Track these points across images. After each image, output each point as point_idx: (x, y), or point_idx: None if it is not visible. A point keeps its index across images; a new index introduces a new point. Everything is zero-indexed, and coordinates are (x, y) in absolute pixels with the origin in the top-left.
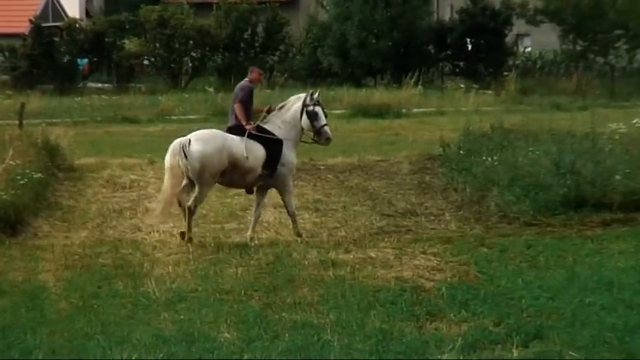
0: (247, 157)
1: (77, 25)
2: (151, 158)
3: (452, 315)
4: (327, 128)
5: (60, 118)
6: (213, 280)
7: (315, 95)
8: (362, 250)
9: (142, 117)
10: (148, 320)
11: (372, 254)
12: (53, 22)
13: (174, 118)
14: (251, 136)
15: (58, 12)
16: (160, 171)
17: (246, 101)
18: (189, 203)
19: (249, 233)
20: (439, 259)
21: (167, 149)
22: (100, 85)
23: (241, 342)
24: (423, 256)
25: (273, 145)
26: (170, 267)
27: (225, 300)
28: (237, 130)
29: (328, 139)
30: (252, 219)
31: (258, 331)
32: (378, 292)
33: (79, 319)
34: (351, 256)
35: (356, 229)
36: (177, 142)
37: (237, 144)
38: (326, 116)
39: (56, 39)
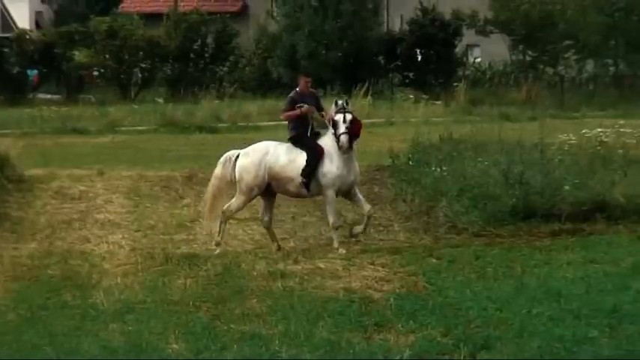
0: (285, 167)
1: (27, 37)
2: (100, 169)
3: (400, 326)
4: (343, 137)
5: (9, 129)
6: (161, 292)
7: (340, 102)
8: (310, 261)
9: (92, 128)
10: (96, 331)
11: (321, 265)
12: (3, 33)
13: (124, 129)
14: (296, 145)
15: (7, 23)
16: (108, 182)
17: (286, 110)
18: (224, 207)
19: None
20: (387, 270)
21: (116, 160)
22: (49, 96)
23: (189, 353)
24: (372, 266)
25: (314, 154)
26: (119, 278)
27: (173, 311)
28: (294, 140)
29: (342, 148)
30: None
31: (206, 342)
32: (327, 303)
33: (28, 330)
34: (300, 267)
35: (305, 239)
36: (230, 152)
37: (280, 156)
38: (353, 122)
39: (6, 50)
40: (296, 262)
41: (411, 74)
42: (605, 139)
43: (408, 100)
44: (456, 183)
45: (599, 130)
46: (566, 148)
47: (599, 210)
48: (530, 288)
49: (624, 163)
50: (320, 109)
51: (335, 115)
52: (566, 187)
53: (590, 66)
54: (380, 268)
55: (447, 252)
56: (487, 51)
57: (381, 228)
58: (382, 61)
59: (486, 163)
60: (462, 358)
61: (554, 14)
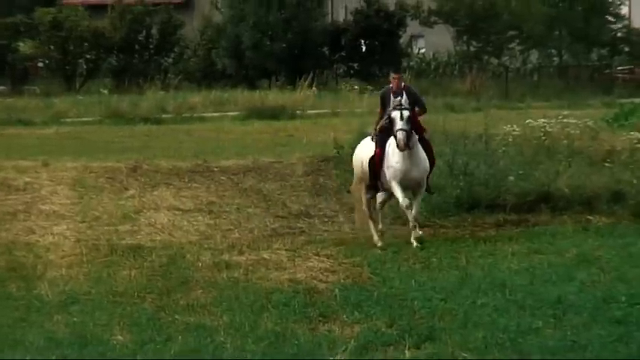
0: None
1: None
2: (45, 160)
3: (345, 316)
4: (399, 134)
5: None
6: (106, 283)
7: (397, 99)
8: (255, 252)
9: (37, 119)
10: (41, 323)
11: (266, 256)
12: None
13: (69, 120)
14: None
15: None
16: (53, 173)
17: (381, 108)
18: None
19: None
20: (332, 261)
21: (61, 151)
22: None
23: (134, 344)
24: (317, 257)
25: (382, 147)
26: (63, 269)
27: (118, 302)
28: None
29: (398, 146)
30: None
31: (151, 333)
32: (271, 294)
33: None
34: (245, 258)
35: (250, 230)
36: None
37: (367, 150)
38: (410, 119)
39: None
40: (241, 253)
41: (355, 65)
42: (550, 130)
43: (352, 90)
44: None
45: (544, 120)
46: (510, 139)
47: (543, 201)
48: (474, 279)
49: (568, 153)
50: (419, 104)
51: (392, 113)
52: (511, 178)
53: (534, 56)
54: (325, 259)
55: (391, 243)
56: (431, 42)
57: (326, 219)
58: (327, 52)
59: None
60: (406, 348)
61: (498, 5)
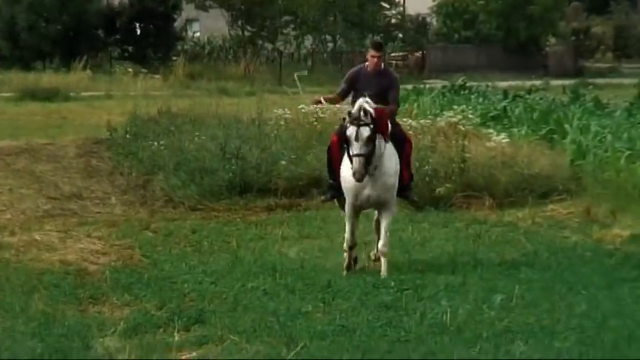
0: None
1: None
2: None
3: (115, 298)
4: (355, 161)
5: None
6: None
7: (354, 112)
8: (27, 233)
9: None
10: None
11: (37, 237)
12: None
13: None
14: None
15: None
16: None
17: (345, 90)
18: None
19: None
20: (104, 243)
21: None
22: None
23: None
24: (88, 239)
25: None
26: None
27: None
28: None
29: (354, 176)
30: None
31: None
32: (42, 275)
33: None
34: (16, 239)
35: (22, 212)
36: None
37: None
38: (370, 139)
39: None
40: (12, 234)
41: (130, 48)
42: (322, 115)
43: (127, 73)
44: (173, 157)
45: (316, 105)
46: (282, 123)
47: (314, 185)
48: (245, 262)
49: None
50: (392, 95)
51: (348, 128)
52: (283, 162)
53: (308, 42)
54: (96, 241)
55: (163, 225)
56: (206, 25)
57: (98, 201)
58: (101, 35)
59: (204, 137)
60: (175, 331)
61: None
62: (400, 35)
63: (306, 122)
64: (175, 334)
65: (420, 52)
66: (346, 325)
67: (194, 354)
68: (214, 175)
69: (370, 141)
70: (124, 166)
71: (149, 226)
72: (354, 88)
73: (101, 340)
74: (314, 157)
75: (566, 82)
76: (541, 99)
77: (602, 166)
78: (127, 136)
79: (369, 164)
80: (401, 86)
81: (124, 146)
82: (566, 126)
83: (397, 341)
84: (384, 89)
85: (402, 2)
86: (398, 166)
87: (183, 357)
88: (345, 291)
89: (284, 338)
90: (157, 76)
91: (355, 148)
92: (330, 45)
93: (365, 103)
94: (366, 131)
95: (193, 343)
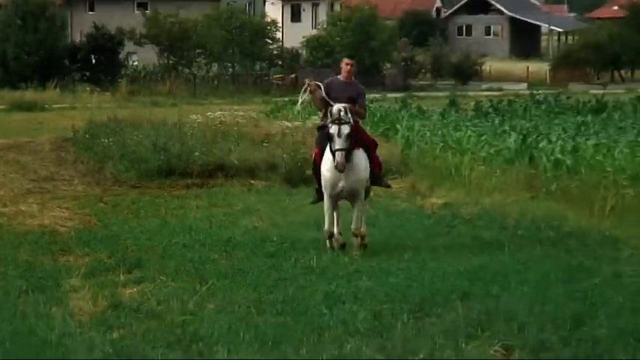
0: None
1: None
2: None
3: (78, 251)
4: (338, 155)
5: None
6: None
7: (334, 111)
8: (15, 205)
9: None
10: None
11: (22, 208)
12: None
13: None
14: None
15: None
16: None
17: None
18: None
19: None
20: (70, 212)
21: None
22: None
23: None
24: (59, 209)
25: (321, 147)
26: None
27: None
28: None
29: (336, 167)
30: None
31: None
32: (26, 235)
33: None
34: (7, 209)
35: (11, 190)
36: None
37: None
38: (349, 136)
39: None
40: (5, 206)
41: (87, 73)
42: (224, 119)
43: (85, 91)
44: (119, 150)
45: (220, 113)
46: (196, 126)
47: (219, 169)
48: (170, 224)
49: (238, 136)
50: (360, 102)
51: (330, 126)
52: (197, 153)
53: (215, 68)
54: (65, 210)
55: (112, 199)
56: (142, 56)
57: (66, 182)
58: (67, 63)
59: (140, 136)
60: (121, 273)
61: (189, 30)
62: (279, 62)
63: (213, 125)
64: (121, 275)
65: (294, 75)
66: (242, 268)
67: (134, 289)
68: (148, 162)
69: (349, 137)
70: (84, 156)
71: (102, 200)
72: (329, 96)
73: (68, 280)
74: (219, 150)
75: (398, 95)
76: (380, 107)
77: (424, 154)
78: (86, 135)
79: (347, 159)
80: (280, 98)
81: (84, 143)
82: (398, 126)
83: (278, 279)
84: (353, 97)
85: (281, 39)
86: (367, 164)
87: (127, 291)
88: (241, 244)
89: (198, 278)
90: (107, 93)
91: (337, 144)
92: (231, 70)
93: (342, 106)
94: (346, 129)
95: (134, 282)
